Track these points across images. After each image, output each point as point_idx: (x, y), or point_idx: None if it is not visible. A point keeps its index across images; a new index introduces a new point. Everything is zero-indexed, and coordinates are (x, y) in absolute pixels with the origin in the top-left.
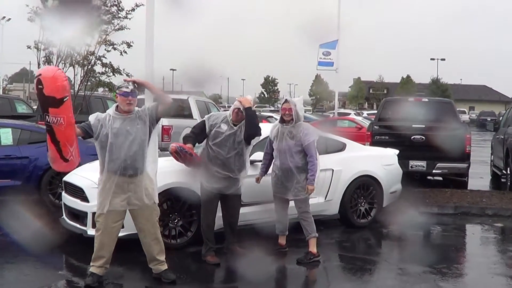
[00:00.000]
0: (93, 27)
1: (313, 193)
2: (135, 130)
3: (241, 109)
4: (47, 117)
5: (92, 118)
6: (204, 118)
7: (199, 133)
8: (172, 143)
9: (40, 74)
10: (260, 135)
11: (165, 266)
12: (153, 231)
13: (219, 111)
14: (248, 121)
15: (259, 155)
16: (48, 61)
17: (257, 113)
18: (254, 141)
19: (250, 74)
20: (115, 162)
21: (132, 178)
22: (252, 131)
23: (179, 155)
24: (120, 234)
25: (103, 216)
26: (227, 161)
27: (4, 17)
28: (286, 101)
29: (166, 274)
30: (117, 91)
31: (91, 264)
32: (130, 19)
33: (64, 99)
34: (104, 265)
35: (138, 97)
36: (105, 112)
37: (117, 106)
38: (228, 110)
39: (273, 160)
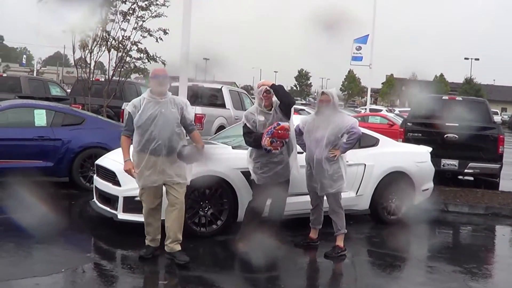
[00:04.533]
0: (127, 13)
1: (345, 186)
2: (168, 113)
3: (268, 88)
4: None
5: (129, 107)
6: (243, 122)
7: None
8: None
9: None
10: (295, 102)
11: (179, 247)
12: (181, 206)
13: (251, 101)
14: (280, 93)
15: None
16: (83, 45)
17: None
18: (292, 114)
19: (282, 67)
20: (148, 142)
21: (165, 157)
22: (288, 100)
23: (275, 139)
24: None
25: (145, 194)
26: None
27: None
28: (323, 93)
29: (180, 256)
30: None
31: (146, 238)
32: (167, 6)
33: None
34: (154, 238)
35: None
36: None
37: (150, 90)
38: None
39: (306, 152)
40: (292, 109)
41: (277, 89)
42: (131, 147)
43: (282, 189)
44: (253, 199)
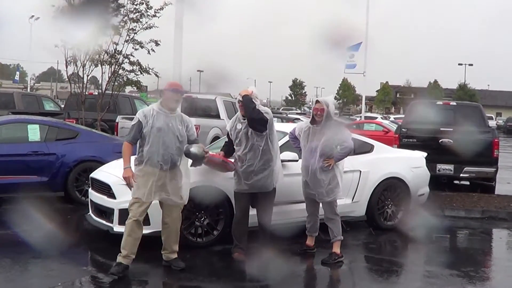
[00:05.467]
0: (118, 26)
1: (341, 194)
2: (175, 129)
3: (240, 99)
4: None
5: (140, 115)
6: (226, 129)
7: (231, 141)
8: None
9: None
10: (257, 117)
11: (175, 255)
12: (176, 223)
13: None
14: (244, 107)
15: (287, 155)
16: (74, 60)
17: (283, 115)
18: (269, 127)
19: (277, 77)
20: (155, 155)
21: (167, 172)
22: (249, 115)
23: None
24: (146, 232)
25: (137, 205)
26: (246, 156)
27: (32, 16)
28: (317, 101)
29: (176, 262)
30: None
31: (119, 254)
32: (158, 17)
33: None
34: (128, 255)
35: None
36: (132, 111)
37: (161, 102)
38: None
39: (301, 161)
40: (270, 123)
41: (244, 101)
42: (133, 157)
43: (263, 198)
44: (235, 205)
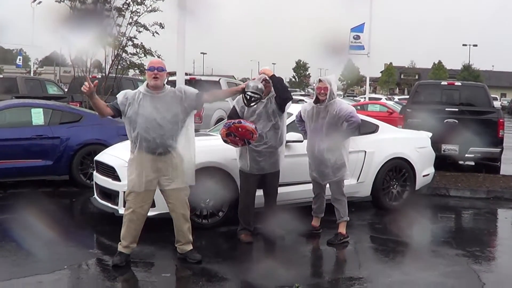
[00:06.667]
0: (122, 8)
1: (348, 174)
2: (165, 108)
3: (267, 78)
4: None
5: (120, 95)
6: (233, 104)
7: (236, 118)
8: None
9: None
10: (292, 98)
11: (191, 247)
12: (183, 211)
13: None
14: (278, 86)
15: (291, 136)
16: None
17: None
18: (287, 107)
19: (281, 58)
20: (145, 140)
21: (162, 156)
22: (285, 95)
23: (233, 134)
24: (152, 214)
25: (133, 195)
26: (266, 135)
27: (35, 0)
28: (320, 80)
29: (191, 255)
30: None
31: (119, 243)
32: (163, 0)
33: None
34: (128, 245)
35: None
36: None
37: (147, 84)
38: None
39: (307, 141)
40: (288, 104)
41: (276, 82)
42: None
43: (272, 178)
44: (240, 187)
